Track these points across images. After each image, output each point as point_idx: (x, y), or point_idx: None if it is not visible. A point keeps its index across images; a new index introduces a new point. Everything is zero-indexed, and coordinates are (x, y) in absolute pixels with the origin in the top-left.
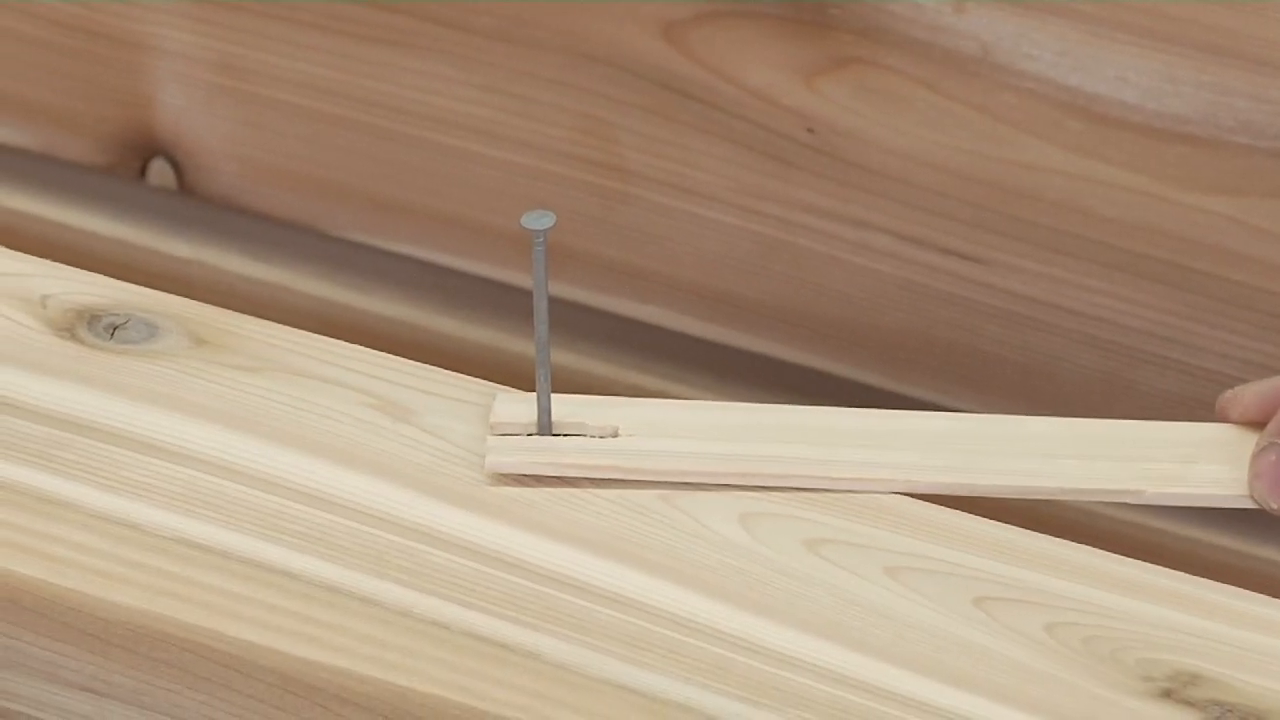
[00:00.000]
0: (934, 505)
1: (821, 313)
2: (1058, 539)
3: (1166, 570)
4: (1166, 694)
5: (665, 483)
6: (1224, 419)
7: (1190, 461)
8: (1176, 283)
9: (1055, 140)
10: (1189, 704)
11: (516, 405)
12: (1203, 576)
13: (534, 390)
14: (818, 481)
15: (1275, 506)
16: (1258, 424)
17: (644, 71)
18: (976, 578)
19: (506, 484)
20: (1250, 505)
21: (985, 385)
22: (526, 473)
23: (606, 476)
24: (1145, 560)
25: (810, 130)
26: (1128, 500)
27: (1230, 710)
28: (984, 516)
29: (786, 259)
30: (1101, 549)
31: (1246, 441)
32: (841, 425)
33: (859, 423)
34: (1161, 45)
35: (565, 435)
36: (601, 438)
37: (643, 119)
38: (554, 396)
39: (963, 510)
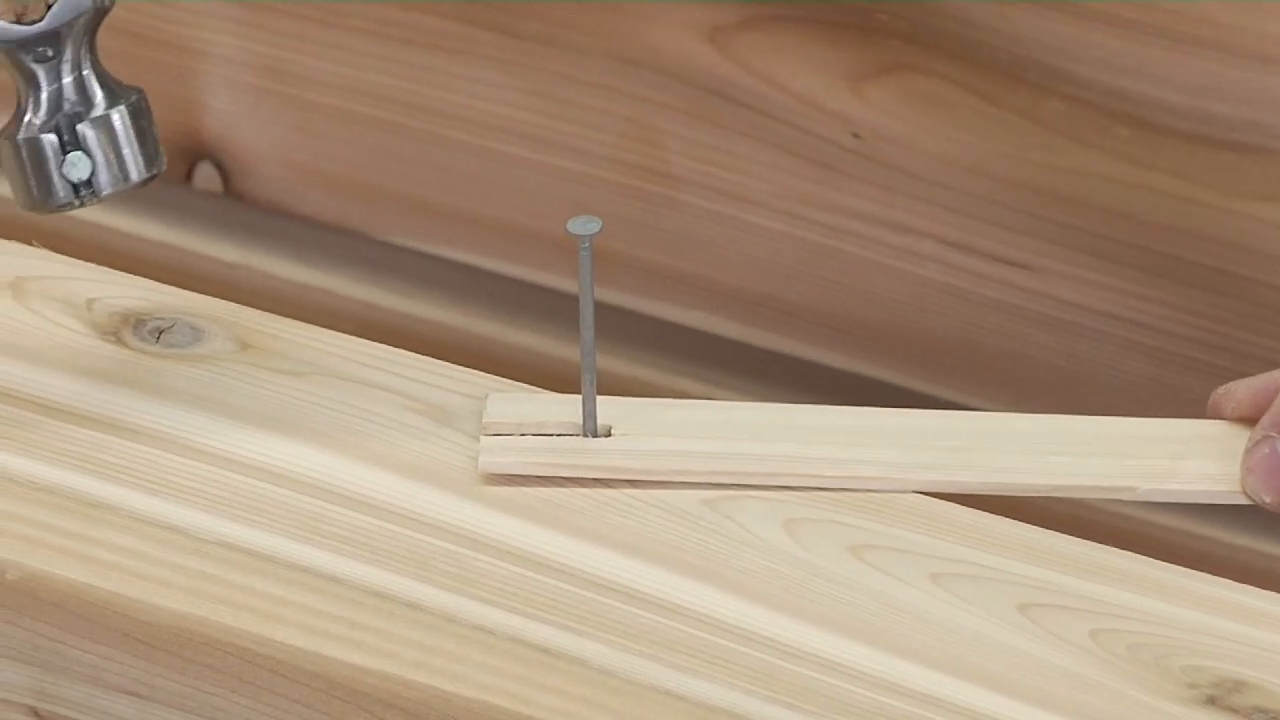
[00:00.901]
0: (978, 511)
1: (866, 318)
2: (1102, 545)
3: (1212, 577)
4: (1211, 701)
5: (658, 482)
6: (1217, 415)
7: (1182, 458)
8: (1222, 289)
9: (1102, 146)
10: (1233, 711)
11: (509, 405)
12: (1248, 584)
13: (578, 393)
14: (800, 479)
15: (1268, 501)
16: (1250, 419)
17: (689, 76)
18: (1021, 584)
19: (550, 488)
20: (1243, 501)
21: (1030, 391)
22: (519, 473)
23: (598, 476)
24: (1188, 566)
25: (856, 135)
26: (1121, 497)
27: (1275, 717)
28: (1027, 522)
29: (831, 264)
30: (1145, 555)
31: (1238, 437)
32: (825, 423)
33: (844, 420)
34: (1208, 52)
35: (559, 435)
36: (594, 437)
37: (688, 124)
38: (540, 394)
39: (1006, 516)
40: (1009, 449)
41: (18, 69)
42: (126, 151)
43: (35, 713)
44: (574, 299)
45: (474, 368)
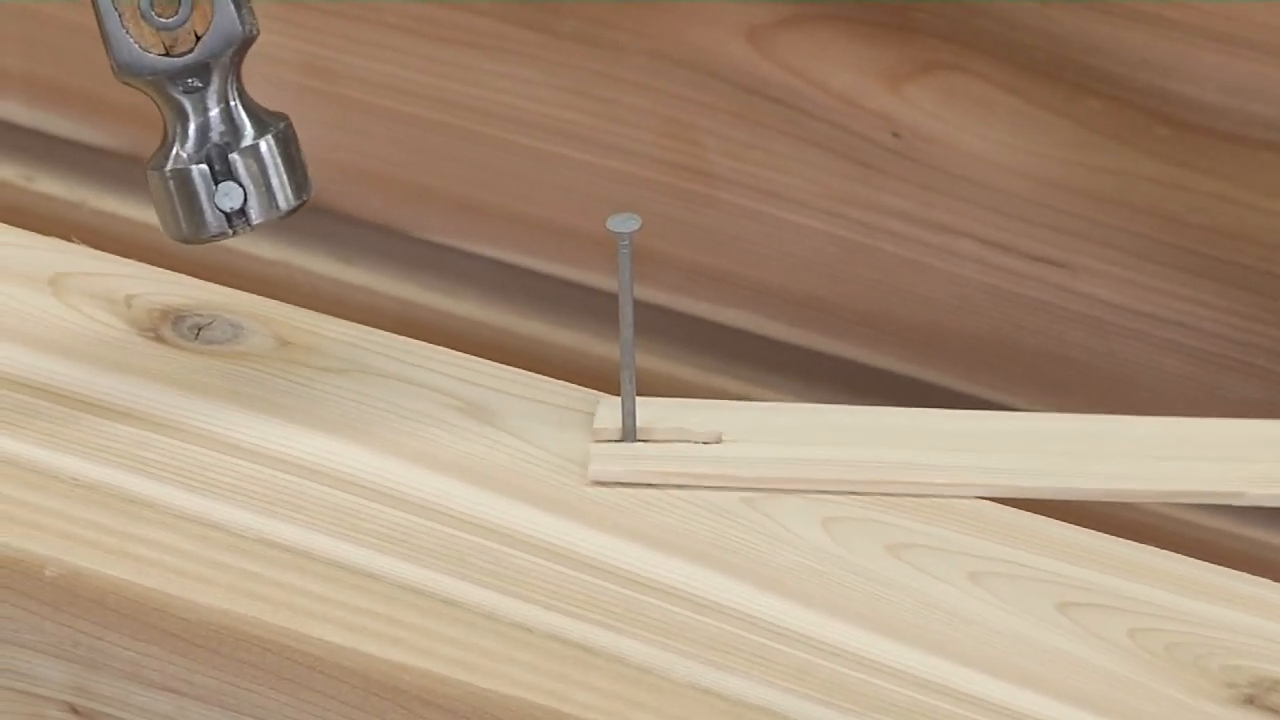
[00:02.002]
0: (1016, 510)
1: (905, 317)
2: (1141, 544)
3: (1250, 576)
4: (1249, 700)
5: (766, 488)
6: None
7: None
8: (1261, 289)
9: (1141, 146)
10: (1272, 711)
11: (619, 412)
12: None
13: (617, 393)
14: (911, 487)
15: None
16: None
17: (728, 75)
18: (1059, 583)
19: (589, 486)
20: None
21: (1069, 391)
22: (630, 481)
23: (709, 485)
24: (1226, 566)
25: (895, 135)
26: (1229, 502)
27: None
28: (1057, 519)
29: (870, 263)
30: (1183, 554)
31: None
32: (930, 426)
33: (950, 424)
34: (1248, 52)
35: (667, 441)
36: (705, 444)
37: (727, 123)
38: (647, 400)
39: (1041, 514)
40: (1117, 454)
41: (165, 100)
42: (275, 180)
43: (74, 709)
44: (614, 297)
45: (514, 366)
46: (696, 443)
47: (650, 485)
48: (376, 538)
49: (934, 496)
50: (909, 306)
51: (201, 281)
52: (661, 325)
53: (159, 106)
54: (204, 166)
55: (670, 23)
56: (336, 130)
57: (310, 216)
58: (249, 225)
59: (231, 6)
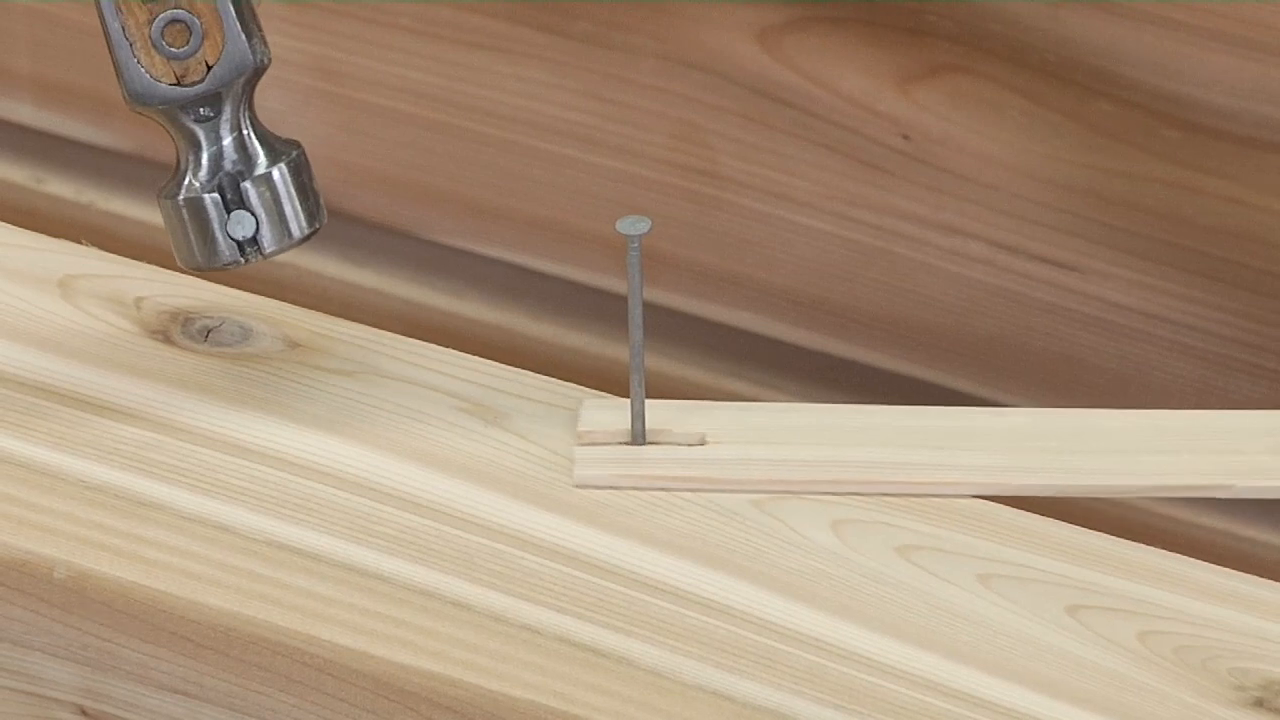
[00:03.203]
0: (1026, 512)
1: (915, 320)
2: (1151, 547)
3: (1259, 579)
4: (1258, 703)
5: (754, 490)
6: None
7: (1279, 452)
8: (1272, 291)
9: (1151, 149)
10: None
11: (604, 413)
12: None
13: (626, 395)
14: (899, 487)
15: None
16: None
17: (739, 78)
18: (1069, 585)
19: (598, 488)
20: None
21: (1078, 393)
22: (616, 485)
23: (695, 488)
24: (1234, 568)
25: (905, 137)
26: (1216, 495)
27: None
28: (1073, 523)
29: (881, 266)
30: (1192, 557)
31: None
32: (917, 425)
33: (936, 422)
34: (1258, 54)
35: (653, 444)
36: (689, 445)
37: (738, 125)
38: (652, 402)
39: (1051, 516)
40: (1100, 449)
41: (178, 130)
42: (288, 209)
43: (83, 711)
44: (623, 299)
45: (523, 368)
46: (682, 445)
47: (636, 489)
48: (385, 540)
49: (918, 495)
50: (919, 309)
51: (210, 284)
52: (671, 328)
53: (171, 135)
54: (216, 195)
55: (681, 25)
56: (346, 132)
57: None
58: (261, 254)
59: (242, 36)
